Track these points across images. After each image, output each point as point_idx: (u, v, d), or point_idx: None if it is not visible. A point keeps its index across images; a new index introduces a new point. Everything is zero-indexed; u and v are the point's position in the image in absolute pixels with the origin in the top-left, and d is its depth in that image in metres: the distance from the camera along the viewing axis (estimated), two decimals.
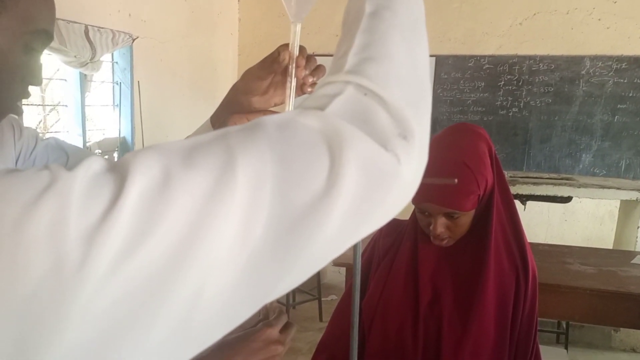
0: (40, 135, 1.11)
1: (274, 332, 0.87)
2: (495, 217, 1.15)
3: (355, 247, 0.93)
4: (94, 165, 0.35)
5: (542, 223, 5.16)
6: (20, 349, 0.31)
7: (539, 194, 3.93)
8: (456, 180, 1.03)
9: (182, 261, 0.33)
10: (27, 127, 1.08)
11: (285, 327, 0.91)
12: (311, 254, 0.40)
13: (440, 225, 1.13)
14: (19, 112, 0.74)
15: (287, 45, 0.82)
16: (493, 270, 1.15)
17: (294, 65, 0.82)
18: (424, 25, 0.52)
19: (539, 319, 1.27)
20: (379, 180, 0.41)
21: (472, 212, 1.14)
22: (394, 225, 1.34)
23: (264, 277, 0.38)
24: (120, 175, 0.34)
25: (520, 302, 1.17)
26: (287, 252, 0.38)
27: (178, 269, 0.33)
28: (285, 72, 0.83)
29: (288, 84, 0.83)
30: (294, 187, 0.38)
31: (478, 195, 1.12)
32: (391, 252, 1.29)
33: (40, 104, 3.57)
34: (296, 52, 0.82)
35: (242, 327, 0.89)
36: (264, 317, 0.93)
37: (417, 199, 1.15)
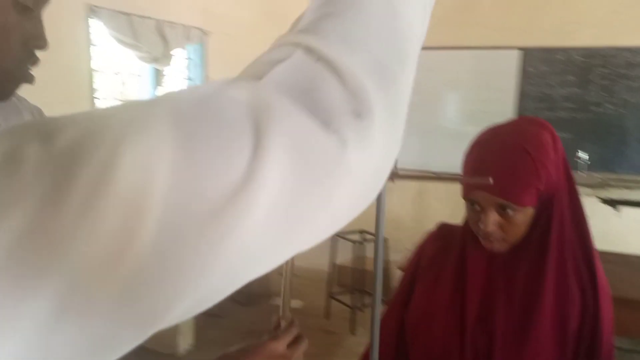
0: None
1: (279, 346, 0.77)
2: (558, 221, 0.97)
3: (376, 254, 0.80)
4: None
5: (638, 231, 4.70)
6: None
7: (634, 199, 3.57)
8: (491, 180, 0.88)
9: None
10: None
11: (296, 341, 0.80)
12: (220, 269, 0.29)
13: (491, 222, 0.96)
14: (31, 80, 0.71)
15: None
16: (554, 283, 0.97)
17: None
18: None
19: (622, 338, 1.07)
20: (316, 169, 0.31)
21: (530, 210, 0.97)
22: (444, 230, 1.19)
23: (149, 297, 0.27)
24: None
25: (587, 321, 0.98)
26: (179, 267, 0.27)
27: None
28: None
29: None
30: (200, 176, 0.27)
31: (538, 189, 0.94)
32: (438, 260, 1.14)
33: (119, 99, 3.68)
34: None
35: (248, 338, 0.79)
36: (275, 326, 0.82)
37: (467, 189, 1.00)
